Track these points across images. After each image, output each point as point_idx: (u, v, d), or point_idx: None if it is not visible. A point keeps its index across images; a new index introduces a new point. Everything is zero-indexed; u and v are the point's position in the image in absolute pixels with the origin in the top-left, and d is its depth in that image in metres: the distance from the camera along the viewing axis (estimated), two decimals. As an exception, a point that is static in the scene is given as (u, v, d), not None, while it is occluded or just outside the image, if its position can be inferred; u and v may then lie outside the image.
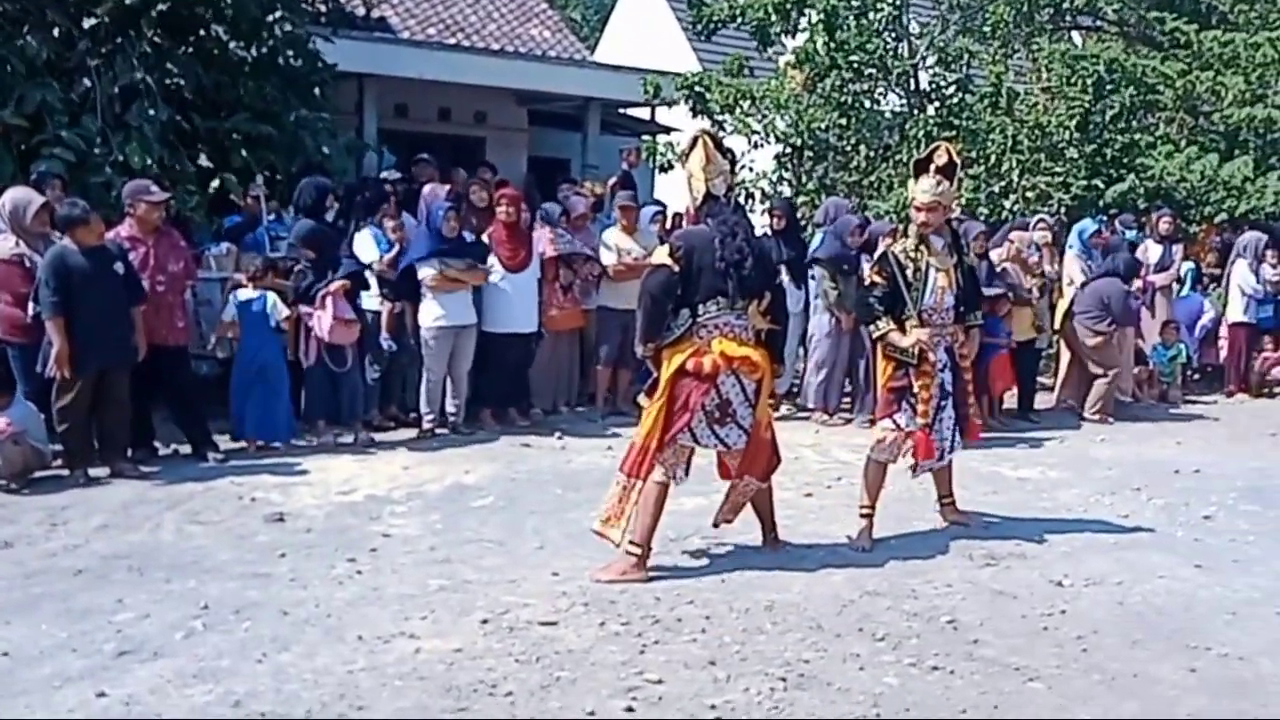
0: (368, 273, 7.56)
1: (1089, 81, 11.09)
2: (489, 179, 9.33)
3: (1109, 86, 11.18)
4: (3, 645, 3.93)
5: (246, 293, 7.15)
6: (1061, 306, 9.39)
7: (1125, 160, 11.40)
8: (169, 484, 6.19)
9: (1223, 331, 10.81)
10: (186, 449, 6.91)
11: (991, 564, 5.11)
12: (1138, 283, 10.12)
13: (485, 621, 4.23)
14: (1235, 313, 10.59)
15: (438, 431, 7.66)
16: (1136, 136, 11.57)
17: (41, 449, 6.22)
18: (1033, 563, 5.15)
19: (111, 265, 6.24)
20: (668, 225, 9.02)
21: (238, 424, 7.12)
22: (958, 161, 5.38)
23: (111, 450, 6.38)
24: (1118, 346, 9.33)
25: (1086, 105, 11.10)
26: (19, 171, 7.28)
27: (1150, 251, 10.57)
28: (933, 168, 5.28)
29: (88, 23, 7.97)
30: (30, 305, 6.20)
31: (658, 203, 9.87)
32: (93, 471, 6.25)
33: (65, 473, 6.25)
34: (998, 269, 8.78)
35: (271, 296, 7.13)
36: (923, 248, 5.33)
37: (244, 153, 8.25)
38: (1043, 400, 9.57)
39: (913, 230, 5.39)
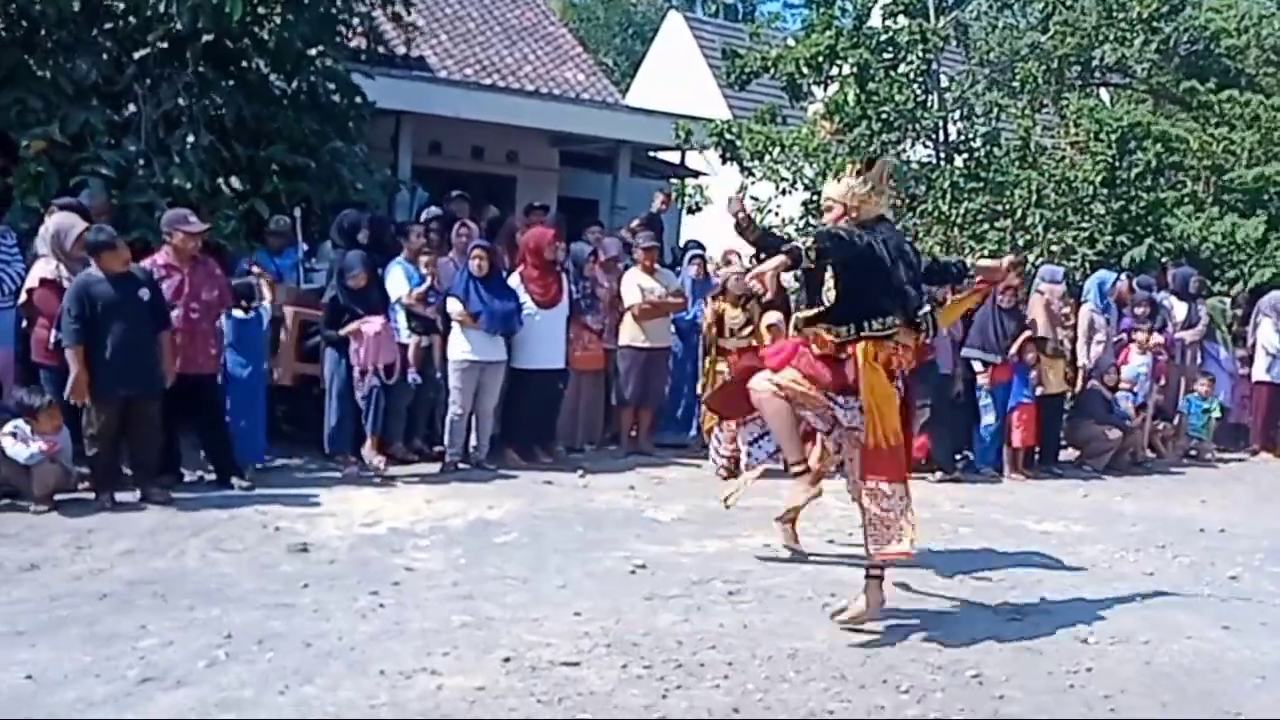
0: (398, 306, 7.59)
1: (1113, 137, 11.13)
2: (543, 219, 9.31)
3: (1133, 143, 11.22)
4: (28, 668, 3.95)
5: (239, 313, 7.13)
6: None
7: (1150, 218, 11.41)
8: (194, 511, 6.22)
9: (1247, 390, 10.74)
10: (211, 476, 6.95)
11: (1016, 619, 5.06)
12: (1160, 339, 10.05)
13: (508, 660, 4.22)
14: (1260, 372, 10.54)
15: (460, 466, 7.68)
16: (1163, 195, 11.59)
17: (70, 470, 6.29)
18: (1058, 618, 5.10)
19: (137, 292, 6.24)
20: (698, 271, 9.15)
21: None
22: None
23: (142, 475, 6.41)
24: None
25: (1110, 159, 11.14)
26: (64, 189, 7.39)
27: (1176, 309, 10.55)
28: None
29: (138, 53, 8.13)
30: (52, 332, 6.27)
31: (698, 244, 9.89)
32: (119, 495, 6.29)
33: (91, 496, 6.29)
34: (1026, 321, 8.79)
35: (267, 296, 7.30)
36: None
37: (278, 181, 8.36)
38: (1066, 453, 9.52)
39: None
